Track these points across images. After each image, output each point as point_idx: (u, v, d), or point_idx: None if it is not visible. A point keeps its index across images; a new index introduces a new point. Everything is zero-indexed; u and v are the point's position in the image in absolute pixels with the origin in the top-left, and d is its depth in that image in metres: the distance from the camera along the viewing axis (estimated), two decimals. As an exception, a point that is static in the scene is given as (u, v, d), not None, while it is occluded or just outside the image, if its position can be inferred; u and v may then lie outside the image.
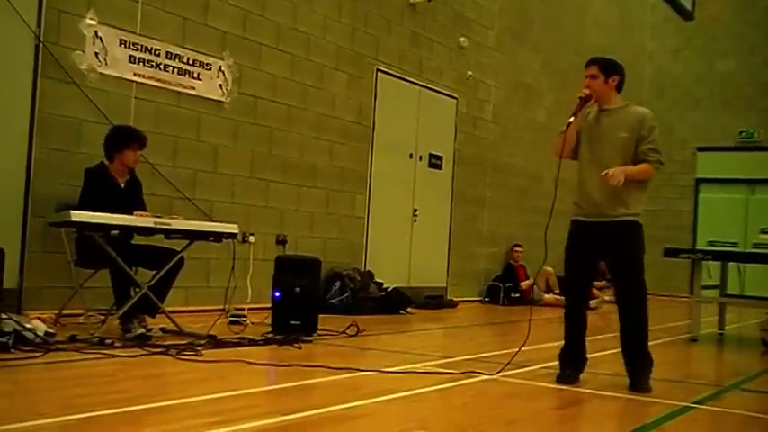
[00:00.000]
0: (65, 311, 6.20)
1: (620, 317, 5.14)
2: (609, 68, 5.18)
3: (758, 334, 8.30)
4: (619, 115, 5.15)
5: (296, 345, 5.96)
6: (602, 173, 4.97)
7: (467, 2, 12.00)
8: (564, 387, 4.93)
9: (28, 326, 5.16)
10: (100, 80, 6.93)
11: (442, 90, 11.50)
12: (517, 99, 13.51)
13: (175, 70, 7.60)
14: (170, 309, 6.32)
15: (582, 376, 5.22)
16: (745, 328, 10.06)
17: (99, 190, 6.00)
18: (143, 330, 5.72)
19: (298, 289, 6.70)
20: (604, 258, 5.29)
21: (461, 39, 11.84)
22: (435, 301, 10.67)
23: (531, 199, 13.69)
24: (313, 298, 6.83)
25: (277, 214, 8.77)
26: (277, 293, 6.72)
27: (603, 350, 6.36)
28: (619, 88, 5.21)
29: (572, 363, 5.19)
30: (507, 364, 5.26)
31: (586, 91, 5.14)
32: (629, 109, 5.18)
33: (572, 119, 5.12)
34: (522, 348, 5.47)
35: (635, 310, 5.09)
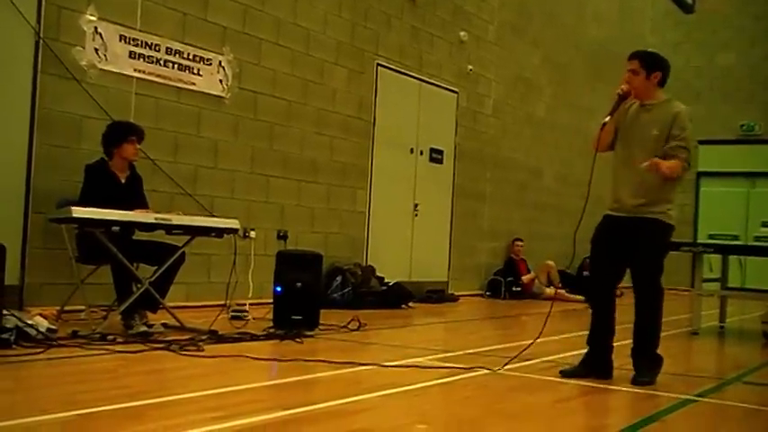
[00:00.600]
0: (66, 307, 6.20)
1: (634, 315, 5.08)
2: (651, 64, 5.03)
3: (759, 327, 8.30)
4: (657, 112, 5.02)
5: (297, 339, 5.97)
6: (643, 164, 4.83)
7: (467, -4, 11.98)
8: (565, 381, 4.92)
9: (29, 322, 5.16)
10: (100, 76, 6.93)
11: (442, 84, 11.48)
12: (517, 93, 13.50)
13: (175, 66, 7.59)
14: (171, 304, 6.32)
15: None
16: (746, 321, 10.07)
17: (99, 186, 5.99)
18: (145, 328, 5.72)
19: (299, 284, 6.70)
20: (628, 254, 5.05)
21: (461, 33, 11.82)
22: (436, 295, 10.67)
23: (531, 193, 13.68)
24: (314, 293, 6.83)
25: (278, 209, 8.77)
26: (278, 288, 6.72)
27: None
28: (662, 83, 5.08)
29: (587, 365, 5.09)
30: (514, 358, 5.23)
31: (625, 87, 4.99)
32: (668, 105, 5.05)
33: (608, 118, 4.98)
34: (524, 342, 5.46)
35: (645, 312, 5.03)
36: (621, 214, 5.05)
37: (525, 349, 5.31)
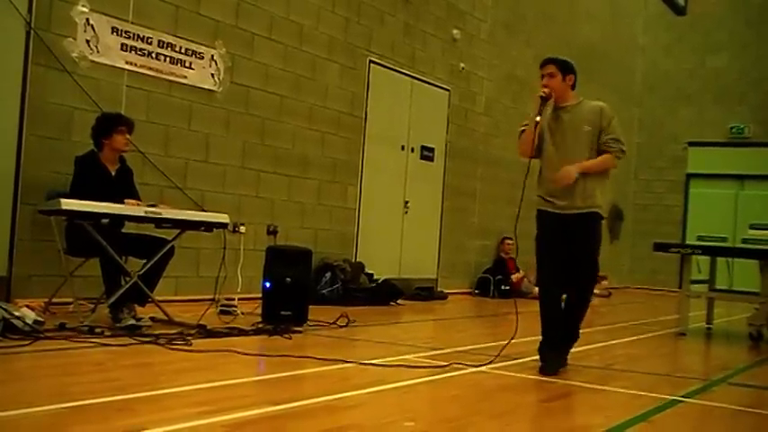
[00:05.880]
0: (54, 300, 6.17)
1: (573, 300, 5.33)
2: (565, 68, 5.34)
3: (746, 328, 8.35)
4: (578, 111, 5.34)
5: (286, 335, 5.96)
6: (558, 174, 5.18)
7: (460, -6, 11.98)
8: (553, 380, 4.94)
9: (17, 314, 5.14)
10: (91, 68, 6.90)
11: (434, 82, 11.49)
12: (509, 92, 13.51)
13: (167, 59, 7.57)
14: (160, 298, 6.31)
15: (570, 369, 5.25)
16: (733, 323, 10.12)
17: (90, 178, 5.96)
18: (133, 321, 5.70)
19: (288, 279, 6.70)
20: (568, 248, 5.32)
21: (454, 31, 11.82)
22: (426, 292, 10.68)
23: (521, 192, 13.68)
24: (304, 288, 6.83)
25: (268, 204, 8.76)
26: (267, 284, 6.72)
27: (592, 343, 6.38)
28: (574, 86, 5.39)
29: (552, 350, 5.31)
30: (496, 357, 5.28)
31: (546, 90, 5.28)
32: (585, 104, 5.37)
33: (538, 118, 5.24)
34: (512, 341, 5.48)
35: (586, 297, 5.34)
36: (563, 212, 5.27)
37: (503, 348, 5.35)
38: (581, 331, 5.45)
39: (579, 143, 5.24)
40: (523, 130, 5.35)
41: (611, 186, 5.45)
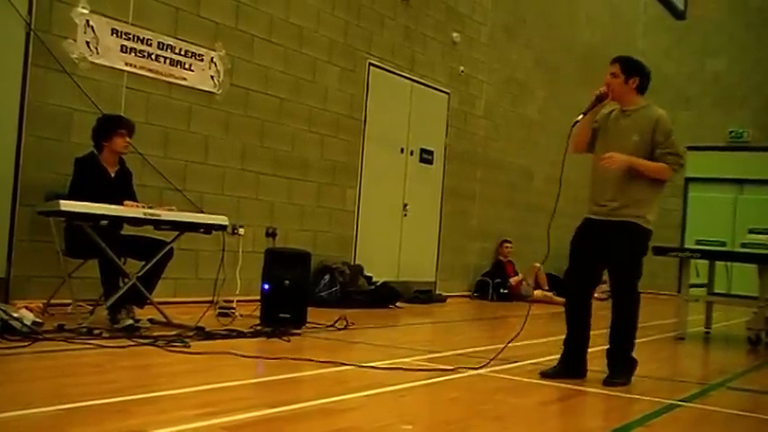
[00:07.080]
0: (53, 301, 6.17)
1: (611, 318, 5.14)
2: (630, 69, 5.11)
3: (744, 332, 8.35)
4: (637, 117, 5.07)
5: (284, 337, 5.96)
6: (605, 155, 4.95)
7: (460, -3, 11.99)
8: (551, 383, 4.93)
9: (15, 315, 5.14)
10: (91, 69, 6.90)
11: (433, 85, 11.49)
12: (509, 95, 13.52)
13: (167, 60, 7.57)
14: (158, 300, 6.30)
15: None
16: (731, 327, 10.12)
17: (89, 179, 5.96)
18: (131, 321, 5.70)
19: (287, 282, 6.70)
20: (605, 258, 5.14)
21: (454, 34, 11.83)
22: (424, 295, 10.67)
23: (521, 195, 13.71)
24: (302, 291, 6.83)
25: (267, 207, 8.76)
26: (266, 286, 6.72)
27: (591, 347, 6.37)
28: (641, 89, 5.14)
29: (564, 366, 5.16)
30: (493, 359, 5.27)
31: (603, 89, 5.09)
32: (647, 110, 5.10)
33: (580, 117, 5.10)
34: (510, 344, 5.48)
35: (621, 315, 5.10)
36: (599, 217, 5.11)
37: (501, 351, 5.33)
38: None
39: (623, 150, 4.97)
40: (576, 122, 5.16)
41: (657, 201, 5.15)
